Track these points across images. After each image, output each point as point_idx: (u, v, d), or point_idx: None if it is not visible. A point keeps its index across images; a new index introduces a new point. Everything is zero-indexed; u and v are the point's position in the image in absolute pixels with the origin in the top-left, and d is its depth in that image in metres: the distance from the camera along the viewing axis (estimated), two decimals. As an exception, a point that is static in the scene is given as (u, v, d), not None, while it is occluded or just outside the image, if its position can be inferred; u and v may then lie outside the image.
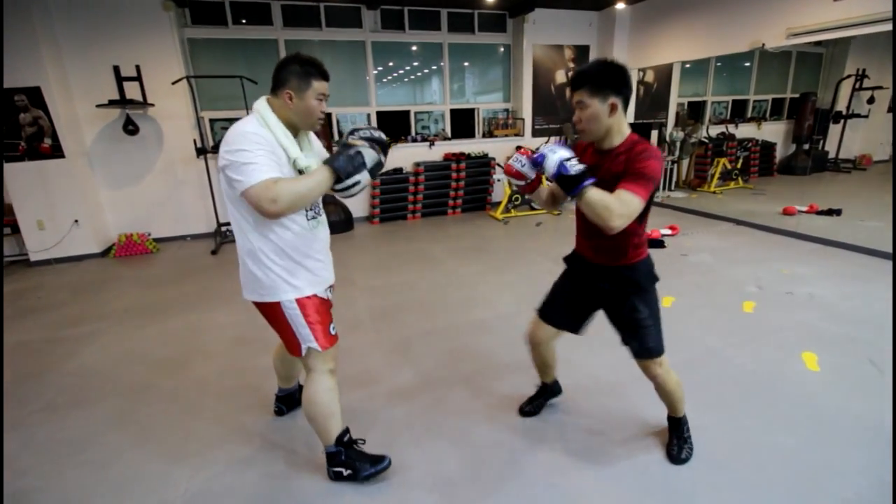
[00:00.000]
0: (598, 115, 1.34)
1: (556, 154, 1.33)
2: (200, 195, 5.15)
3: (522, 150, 1.47)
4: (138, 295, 3.64)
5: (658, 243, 4.25)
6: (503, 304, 3.11)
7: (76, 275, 4.23)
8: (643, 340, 1.55)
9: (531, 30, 5.97)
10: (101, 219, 4.88)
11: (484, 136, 6.44)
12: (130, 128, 4.61)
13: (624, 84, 1.32)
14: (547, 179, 1.42)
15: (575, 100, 1.37)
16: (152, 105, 4.71)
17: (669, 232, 4.56)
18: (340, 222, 5.22)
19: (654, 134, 6.42)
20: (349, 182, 1.36)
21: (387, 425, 1.95)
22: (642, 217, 1.43)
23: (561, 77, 6.37)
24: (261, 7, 5.11)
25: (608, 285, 1.55)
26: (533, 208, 6.00)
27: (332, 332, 1.53)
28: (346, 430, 1.64)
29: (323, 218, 1.54)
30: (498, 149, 6.23)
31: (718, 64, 7.56)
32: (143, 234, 4.92)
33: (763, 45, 4.44)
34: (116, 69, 4.43)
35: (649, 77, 6.62)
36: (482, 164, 5.95)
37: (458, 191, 5.93)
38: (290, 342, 1.50)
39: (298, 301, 1.44)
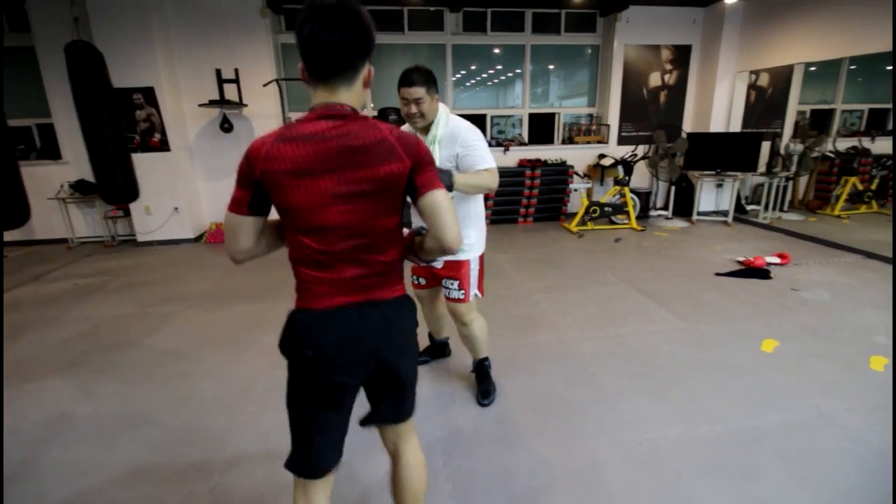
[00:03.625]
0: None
1: None
2: (282, 191, 5.44)
3: None
4: (217, 280, 3.90)
5: (763, 273, 3.68)
6: (566, 327, 2.85)
7: (172, 257, 4.67)
8: None
9: (624, 29, 5.54)
10: (198, 207, 5.36)
11: (563, 142, 6.12)
12: (226, 126, 5.00)
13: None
14: None
15: None
16: (246, 105, 5.08)
17: (778, 260, 3.93)
18: (407, 225, 5.21)
19: (766, 146, 5.65)
20: None
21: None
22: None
23: (655, 80, 5.85)
24: (349, 12, 5.29)
25: None
26: (613, 222, 5.56)
27: (415, 282, 2.14)
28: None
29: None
30: (577, 156, 5.87)
31: (853, 67, 6.47)
32: (230, 224, 5.31)
33: (918, 41, 3.66)
34: (218, 72, 4.84)
35: (763, 81, 5.83)
36: (559, 172, 5.64)
37: (531, 199, 5.68)
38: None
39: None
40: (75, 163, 5.02)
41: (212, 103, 4.80)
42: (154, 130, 4.75)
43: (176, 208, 5.03)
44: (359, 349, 0.99)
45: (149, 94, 4.63)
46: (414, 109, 1.70)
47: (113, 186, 3.07)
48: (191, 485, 1.66)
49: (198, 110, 5.00)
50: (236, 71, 4.93)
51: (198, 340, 2.78)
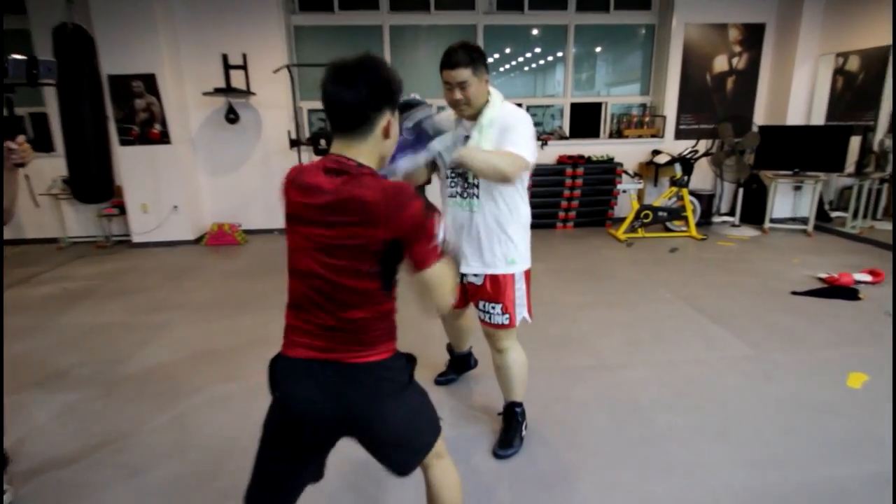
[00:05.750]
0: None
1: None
2: (290, 188, 5.59)
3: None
4: (218, 287, 4.01)
5: (850, 293, 3.52)
6: (610, 351, 2.80)
7: (169, 260, 4.84)
8: None
9: (684, 5, 5.46)
10: (198, 206, 5.55)
11: (611, 135, 6.06)
12: (231, 116, 5.17)
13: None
14: None
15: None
16: (254, 94, 5.24)
17: (869, 278, 3.76)
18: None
19: (856, 141, 5.42)
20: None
21: None
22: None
23: (721, 64, 5.72)
24: (368, -10, 5.42)
25: None
26: (668, 229, 5.44)
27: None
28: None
29: (467, 202, 1.79)
30: (627, 152, 5.80)
31: (967, 47, 6.15)
32: (233, 226, 5.47)
33: None
34: (224, 57, 5.02)
35: (852, 65, 5.61)
36: (605, 171, 5.58)
37: (572, 201, 5.63)
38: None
39: None
40: (70, 156, 5.27)
41: (217, 91, 4.98)
42: (154, 121, 4.96)
43: (175, 206, 5.21)
44: (318, 409, 1.08)
45: (149, 82, 4.84)
46: (458, 95, 1.65)
47: (86, 183, 3.19)
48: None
49: (202, 99, 5.19)
50: (244, 56, 5.10)
51: (193, 355, 2.86)
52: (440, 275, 1.06)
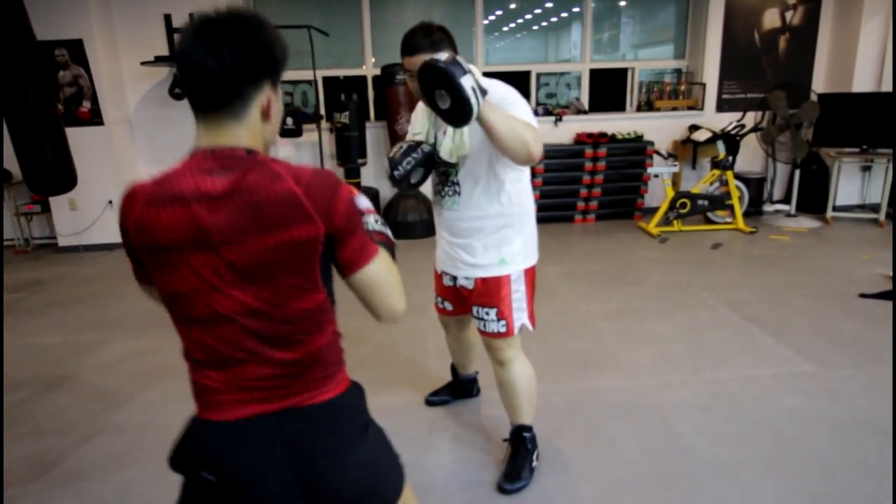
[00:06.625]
0: None
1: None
2: (251, 178, 5.59)
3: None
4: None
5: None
6: (641, 369, 2.81)
7: (105, 266, 4.84)
8: None
9: (726, -50, 5.49)
10: (138, 201, 5.53)
11: (640, 108, 6.10)
12: (177, 91, 5.15)
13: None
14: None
15: None
16: (204, 62, 5.24)
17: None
18: (421, 223, 5.26)
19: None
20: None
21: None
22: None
23: (772, 20, 5.75)
24: (343, -65, 5.43)
25: None
26: (710, 221, 5.45)
27: (439, 305, 2.18)
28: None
29: (450, 200, 1.87)
30: (659, 128, 5.83)
31: None
32: (181, 223, 5.47)
33: None
34: (167, 18, 5.01)
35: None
36: (633, 151, 5.62)
37: (593, 189, 5.67)
38: None
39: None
40: (-19, 141, 5.27)
41: (159, 61, 4.97)
42: (82, 97, 4.96)
43: (111, 202, 5.20)
44: (279, 476, 1.00)
45: (76, 50, 4.84)
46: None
47: (42, 170, 3.18)
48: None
49: (140, 70, 5.18)
50: (191, 16, 5.07)
51: (140, 379, 2.86)
52: (384, 268, 1.02)
